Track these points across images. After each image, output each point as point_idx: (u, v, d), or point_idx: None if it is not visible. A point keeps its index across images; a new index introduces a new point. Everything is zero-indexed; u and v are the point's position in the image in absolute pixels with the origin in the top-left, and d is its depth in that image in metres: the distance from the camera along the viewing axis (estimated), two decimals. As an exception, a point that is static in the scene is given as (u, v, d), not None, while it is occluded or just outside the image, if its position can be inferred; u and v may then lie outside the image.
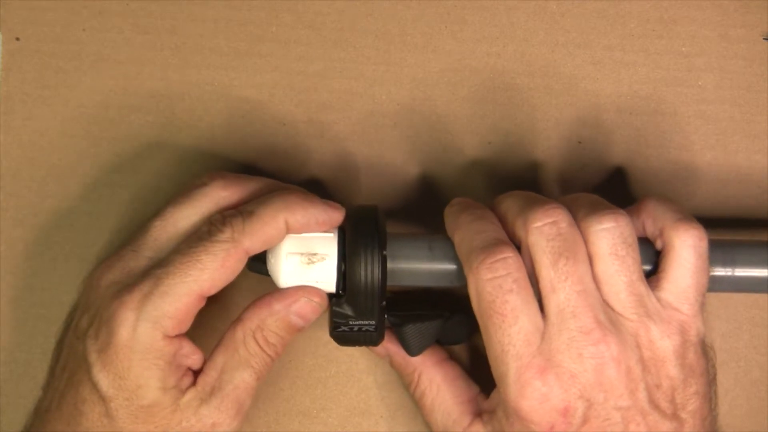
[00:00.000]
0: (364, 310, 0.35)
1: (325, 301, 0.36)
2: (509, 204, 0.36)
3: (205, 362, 0.36)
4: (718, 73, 0.43)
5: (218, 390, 0.35)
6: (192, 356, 0.35)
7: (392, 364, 0.40)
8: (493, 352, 0.34)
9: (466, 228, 0.36)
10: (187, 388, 0.35)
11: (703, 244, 0.34)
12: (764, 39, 0.43)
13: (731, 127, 0.43)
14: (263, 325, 0.36)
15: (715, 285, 0.37)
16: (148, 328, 0.33)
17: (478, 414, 0.37)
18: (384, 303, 0.36)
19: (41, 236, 0.42)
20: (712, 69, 0.43)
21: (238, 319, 0.36)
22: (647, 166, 0.43)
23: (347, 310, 0.35)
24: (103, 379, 0.33)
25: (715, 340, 0.42)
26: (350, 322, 0.36)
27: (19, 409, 0.41)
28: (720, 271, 0.37)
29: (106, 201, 0.42)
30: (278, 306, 0.36)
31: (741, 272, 0.37)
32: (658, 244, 0.35)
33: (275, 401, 0.42)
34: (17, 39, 0.43)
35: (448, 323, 0.38)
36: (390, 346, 0.39)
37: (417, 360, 0.39)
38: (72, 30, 0.43)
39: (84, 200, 0.42)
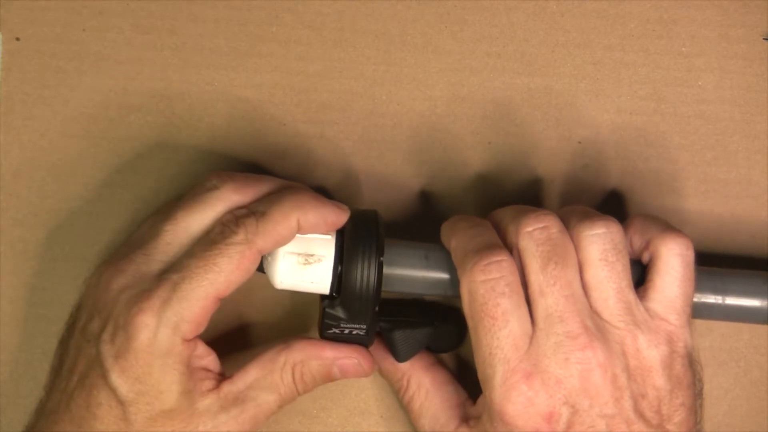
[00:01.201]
0: (356, 314, 0.36)
1: (371, 370, 0.37)
2: (503, 214, 0.36)
3: (236, 372, 0.36)
4: (718, 73, 0.43)
5: (241, 402, 0.35)
6: (206, 357, 0.35)
7: (381, 371, 0.40)
8: (481, 355, 0.34)
9: (462, 233, 0.36)
10: (209, 392, 0.35)
11: (690, 254, 0.35)
12: (764, 39, 0.43)
13: (731, 127, 0.43)
14: (306, 363, 0.36)
15: (705, 312, 0.37)
16: (168, 334, 0.33)
17: (465, 419, 0.37)
18: (376, 308, 0.36)
19: (41, 236, 0.42)
20: (712, 69, 0.43)
21: (286, 345, 0.37)
22: (647, 166, 0.43)
23: (340, 313, 0.36)
24: (122, 384, 0.33)
25: (715, 339, 0.42)
26: (342, 325, 0.36)
27: (19, 409, 0.41)
28: (711, 299, 0.37)
29: (106, 201, 0.42)
30: (329, 354, 0.37)
31: (732, 301, 0.37)
32: (645, 257, 0.36)
33: (275, 401, 0.42)
34: (17, 39, 0.43)
35: (437, 332, 0.38)
36: (378, 353, 0.39)
37: (406, 365, 0.39)
38: (72, 30, 0.43)
39: (84, 200, 0.42)
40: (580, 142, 0.43)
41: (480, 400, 0.36)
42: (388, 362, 0.39)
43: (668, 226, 0.36)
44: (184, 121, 0.42)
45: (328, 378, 0.37)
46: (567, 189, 0.43)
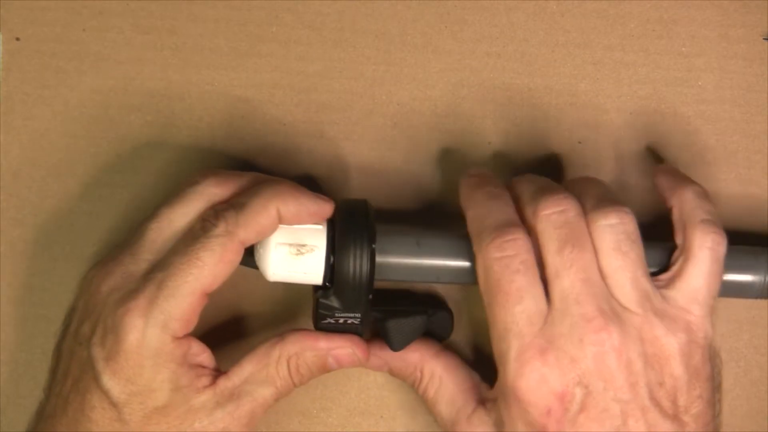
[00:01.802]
0: (350, 303, 0.36)
1: (366, 358, 0.37)
2: (522, 188, 0.36)
3: (231, 367, 0.36)
4: (718, 73, 0.43)
5: (237, 397, 0.35)
6: (201, 354, 0.35)
7: (392, 371, 0.39)
8: (496, 331, 0.34)
9: (479, 206, 0.36)
10: (205, 388, 0.35)
11: (721, 249, 0.35)
12: (764, 39, 0.43)
13: (731, 127, 0.43)
14: (301, 355, 0.36)
15: None
16: (157, 333, 0.33)
17: (482, 402, 0.37)
18: (370, 296, 0.36)
19: (41, 236, 0.42)
20: (712, 69, 0.43)
21: (280, 338, 0.36)
22: (647, 166, 0.43)
23: (334, 303, 0.36)
24: (114, 386, 0.33)
25: (715, 339, 0.42)
26: (336, 315, 0.36)
27: (19, 409, 0.41)
28: None
29: (106, 201, 0.42)
30: (323, 345, 0.36)
31: (729, 277, 0.37)
32: (678, 238, 0.36)
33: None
34: (17, 39, 0.43)
35: (430, 320, 0.38)
36: (383, 354, 0.38)
37: (415, 356, 0.38)
38: (72, 30, 0.43)
39: (84, 200, 0.42)
40: (580, 142, 0.43)
41: (496, 384, 0.36)
42: (397, 359, 0.39)
43: (708, 216, 0.35)
44: (184, 121, 0.42)
45: (324, 369, 0.37)
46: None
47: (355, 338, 0.37)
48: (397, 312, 0.38)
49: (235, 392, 0.35)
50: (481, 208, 0.36)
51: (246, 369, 0.36)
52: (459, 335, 0.41)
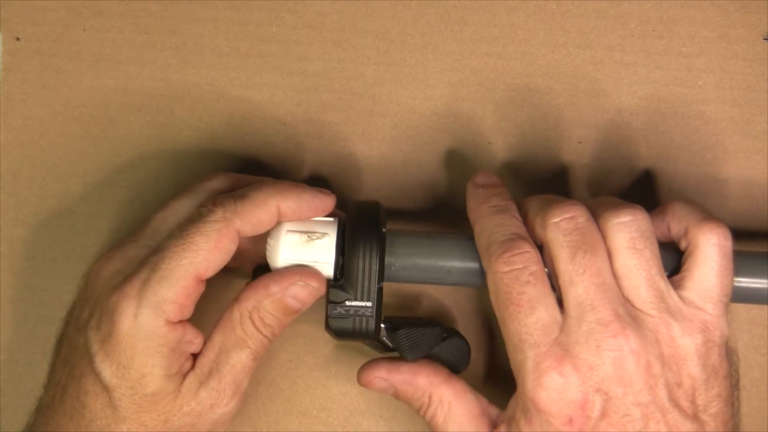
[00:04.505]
0: (361, 291, 0.35)
1: (322, 285, 0.36)
2: (530, 204, 0.36)
3: (204, 344, 0.35)
4: (718, 73, 0.43)
5: (216, 371, 0.35)
6: (194, 341, 0.35)
7: (398, 394, 0.38)
8: (511, 343, 0.34)
9: (487, 220, 0.36)
10: (187, 372, 0.35)
11: (728, 243, 0.34)
12: (764, 39, 0.43)
13: (731, 127, 0.43)
14: (260, 307, 0.35)
15: None
16: (150, 315, 0.33)
17: (494, 425, 0.36)
18: (381, 285, 0.36)
19: (41, 236, 0.42)
20: (712, 69, 0.43)
21: (236, 299, 0.36)
22: (647, 166, 0.43)
23: (344, 291, 0.35)
24: (106, 369, 0.33)
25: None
26: (347, 304, 0.35)
27: (19, 409, 0.41)
28: None
29: (106, 201, 0.42)
30: (275, 288, 0.35)
31: (743, 283, 0.36)
32: (683, 244, 0.35)
33: (275, 401, 0.42)
34: (17, 39, 0.43)
35: (446, 342, 0.38)
36: (389, 376, 0.38)
37: (425, 381, 0.37)
38: (72, 30, 0.43)
39: (84, 200, 0.42)
40: (580, 142, 0.43)
41: (510, 403, 0.36)
42: (406, 382, 0.38)
43: (707, 214, 0.35)
44: (184, 121, 0.43)
45: (288, 311, 0.36)
46: (567, 189, 0.43)
47: (303, 269, 0.36)
48: (409, 323, 0.38)
49: (213, 367, 0.35)
50: (487, 223, 0.36)
51: (216, 341, 0.35)
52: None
